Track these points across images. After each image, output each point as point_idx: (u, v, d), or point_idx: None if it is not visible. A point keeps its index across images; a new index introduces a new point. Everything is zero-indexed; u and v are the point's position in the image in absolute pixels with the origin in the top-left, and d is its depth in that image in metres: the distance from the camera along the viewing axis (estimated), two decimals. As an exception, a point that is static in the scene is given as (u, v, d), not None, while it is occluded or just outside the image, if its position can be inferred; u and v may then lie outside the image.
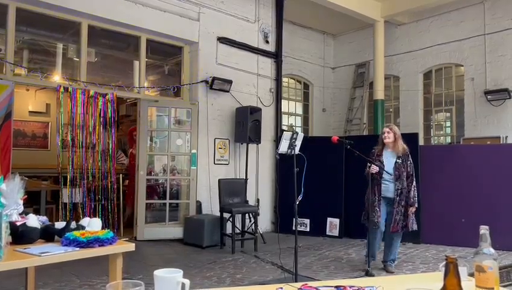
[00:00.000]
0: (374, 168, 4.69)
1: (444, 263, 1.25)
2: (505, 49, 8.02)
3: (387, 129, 4.84)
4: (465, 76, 8.60)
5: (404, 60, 9.40)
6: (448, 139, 9.13)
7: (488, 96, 8.07)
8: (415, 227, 4.81)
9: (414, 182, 4.76)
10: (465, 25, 8.49)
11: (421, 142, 8.31)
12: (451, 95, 9.01)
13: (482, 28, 8.27)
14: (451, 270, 1.21)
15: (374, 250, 4.87)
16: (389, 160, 4.77)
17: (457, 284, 1.20)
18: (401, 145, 4.76)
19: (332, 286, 1.48)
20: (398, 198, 4.69)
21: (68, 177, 5.97)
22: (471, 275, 1.43)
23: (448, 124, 9.31)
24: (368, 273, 4.62)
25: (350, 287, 1.46)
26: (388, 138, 4.78)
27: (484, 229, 1.39)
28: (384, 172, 4.72)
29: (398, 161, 4.73)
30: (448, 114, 9.25)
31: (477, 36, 8.34)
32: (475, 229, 1.53)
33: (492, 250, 1.36)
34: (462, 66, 8.68)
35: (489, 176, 6.35)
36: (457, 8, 8.51)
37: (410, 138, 6.97)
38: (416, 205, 4.75)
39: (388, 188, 4.75)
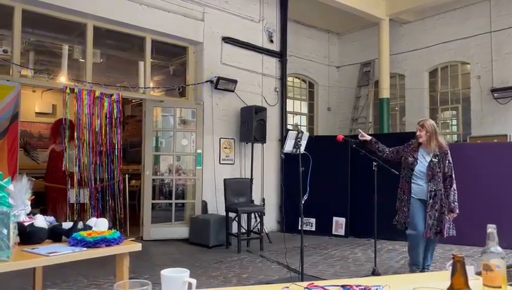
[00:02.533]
0: (363, 136, 4.63)
1: (451, 261, 1.24)
2: (511, 46, 7.97)
3: (419, 126, 4.35)
4: (471, 74, 8.55)
5: (409, 58, 9.36)
6: (455, 138, 9.08)
7: (495, 94, 8.02)
8: (452, 233, 4.33)
9: (454, 184, 4.25)
10: (471, 22, 8.44)
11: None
12: (457, 93, 8.96)
13: (488, 25, 8.22)
14: (458, 269, 1.21)
15: (414, 257, 4.42)
16: (423, 158, 4.33)
17: (464, 283, 1.19)
18: (437, 143, 4.26)
19: (338, 285, 1.48)
20: (431, 201, 4.23)
21: (75, 178, 6.01)
22: (479, 274, 1.42)
23: (454, 122, 9.26)
24: (374, 273, 4.60)
25: (357, 286, 1.46)
26: (420, 136, 4.31)
27: (491, 228, 1.38)
28: (416, 170, 4.34)
29: (433, 159, 4.25)
30: (454, 112, 9.20)
31: (483, 34, 8.28)
32: (482, 228, 1.52)
33: (499, 249, 1.35)
34: (468, 64, 8.63)
35: (497, 174, 6.30)
36: (462, 6, 8.47)
37: (415, 137, 6.97)
38: (457, 211, 4.26)
39: (422, 189, 4.31)
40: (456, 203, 4.24)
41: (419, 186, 4.31)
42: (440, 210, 4.24)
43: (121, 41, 7.38)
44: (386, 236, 6.32)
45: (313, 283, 1.49)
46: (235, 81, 7.34)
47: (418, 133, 4.32)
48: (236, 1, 7.67)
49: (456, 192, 4.23)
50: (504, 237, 1.85)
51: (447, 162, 4.27)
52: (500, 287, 1.30)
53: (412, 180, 4.34)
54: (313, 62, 10.02)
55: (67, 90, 5.90)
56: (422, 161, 4.31)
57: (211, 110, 7.22)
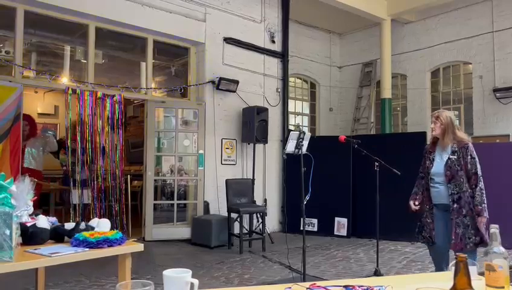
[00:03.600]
0: (412, 206, 3.78)
1: (454, 262, 1.24)
2: (513, 46, 7.95)
3: (433, 118, 3.73)
4: (473, 74, 8.54)
5: (411, 58, 9.35)
6: (457, 138, 9.05)
7: (497, 94, 8.00)
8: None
9: (481, 183, 3.55)
10: (473, 22, 8.43)
11: (429, 141, 8.24)
12: (459, 93, 8.95)
13: (490, 25, 8.20)
14: (461, 269, 1.20)
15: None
16: (440, 157, 3.69)
17: (467, 283, 1.19)
18: (454, 136, 3.62)
19: (341, 286, 1.47)
20: (455, 205, 3.55)
21: (78, 178, 6.02)
22: (481, 274, 1.42)
23: (456, 122, 9.23)
24: (376, 273, 4.60)
25: (359, 286, 1.46)
26: (434, 129, 3.70)
27: (494, 228, 1.38)
28: (432, 173, 3.71)
29: (451, 157, 3.59)
30: (456, 112, 9.18)
31: (485, 34, 8.27)
32: (485, 229, 1.52)
33: (502, 249, 1.35)
34: (470, 63, 8.62)
35: (499, 174, 6.28)
36: (464, 6, 8.45)
37: (418, 137, 6.97)
38: (485, 215, 3.51)
39: (440, 192, 3.66)
40: (484, 205, 3.52)
41: (436, 189, 3.68)
42: (472, 215, 3.54)
43: (122, 42, 7.40)
44: (388, 236, 6.32)
45: (315, 283, 1.49)
46: (236, 82, 7.34)
47: (432, 126, 3.74)
48: (237, 2, 7.68)
49: (483, 192, 3.54)
50: (507, 237, 1.85)
51: (469, 157, 3.58)
52: (503, 287, 1.29)
53: (431, 185, 3.71)
54: (314, 62, 10.02)
55: (69, 91, 5.91)
56: (439, 161, 3.68)
57: (212, 110, 7.22)
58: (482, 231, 3.48)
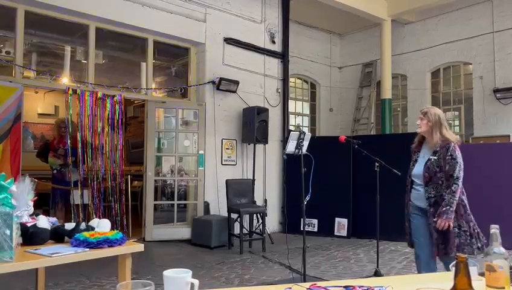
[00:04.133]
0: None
1: (455, 262, 1.24)
2: (513, 46, 7.95)
3: (421, 115, 3.46)
4: (473, 74, 8.54)
5: (411, 58, 9.35)
6: (457, 138, 9.05)
7: (497, 95, 8.00)
8: (468, 250, 3.21)
9: (455, 186, 3.21)
10: (473, 22, 8.43)
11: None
12: (459, 94, 8.94)
13: (491, 25, 8.20)
14: (461, 269, 1.20)
15: None
16: (423, 157, 3.45)
17: (467, 283, 1.19)
18: (439, 135, 3.34)
19: (341, 286, 1.47)
20: (432, 210, 3.30)
21: (79, 178, 6.02)
22: (482, 274, 1.42)
23: (456, 123, 9.24)
24: (377, 273, 4.60)
25: (359, 287, 1.46)
26: (420, 126, 3.44)
27: (495, 229, 1.38)
28: (413, 174, 3.50)
29: (432, 157, 3.34)
30: (456, 113, 9.18)
31: (486, 34, 8.27)
32: (485, 229, 1.52)
33: (503, 249, 1.35)
34: (471, 64, 8.62)
35: (499, 175, 6.29)
36: (465, 6, 8.45)
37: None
38: (446, 217, 3.15)
39: (419, 195, 3.43)
40: (449, 207, 3.17)
41: (417, 192, 3.45)
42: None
43: (123, 42, 7.40)
44: (388, 237, 6.32)
45: (315, 284, 1.49)
46: (237, 82, 7.34)
47: (418, 122, 3.47)
48: (238, 2, 7.68)
49: (454, 195, 3.21)
50: (507, 237, 1.85)
51: (449, 157, 3.27)
52: (503, 287, 1.29)
53: (413, 188, 3.51)
54: (314, 63, 10.02)
55: (70, 92, 5.91)
56: (421, 162, 3.45)
57: (212, 111, 7.22)
58: (449, 237, 3.18)
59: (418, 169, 3.43)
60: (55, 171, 6.60)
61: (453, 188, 3.22)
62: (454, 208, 3.19)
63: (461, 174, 3.25)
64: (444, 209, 3.18)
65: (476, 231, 3.27)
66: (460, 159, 3.27)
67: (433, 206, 3.30)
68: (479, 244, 3.22)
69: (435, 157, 3.33)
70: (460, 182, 3.25)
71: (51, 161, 6.62)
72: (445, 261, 3.28)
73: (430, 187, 3.33)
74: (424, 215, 3.39)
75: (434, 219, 3.22)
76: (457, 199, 3.21)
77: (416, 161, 3.49)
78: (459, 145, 3.37)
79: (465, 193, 3.35)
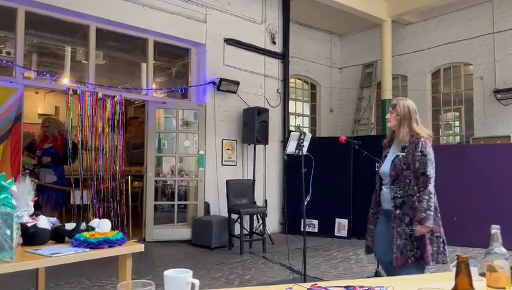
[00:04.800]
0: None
1: (455, 262, 1.24)
2: (514, 47, 7.95)
3: (390, 108, 3.18)
4: (473, 75, 8.53)
5: (412, 59, 9.35)
6: (457, 139, 9.06)
7: (498, 95, 8.00)
8: (442, 259, 2.96)
9: (430, 186, 2.89)
10: (474, 23, 8.43)
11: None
12: (460, 94, 8.94)
13: (491, 26, 8.20)
14: (462, 269, 1.20)
15: None
16: (392, 154, 3.15)
17: (468, 283, 1.19)
18: (410, 130, 3.03)
19: (342, 286, 1.47)
20: (398, 212, 2.95)
21: (79, 179, 6.02)
22: (482, 275, 1.42)
23: (457, 123, 9.24)
24: (377, 274, 4.59)
25: (360, 287, 1.46)
26: (389, 120, 3.14)
27: (495, 229, 1.38)
28: (380, 172, 3.18)
29: (400, 154, 3.02)
30: (457, 113, 9.18)
31: (486, 35, 8.27)
32: (485, 230, 1.52)
33: (503, 249, 1.35)
34: (471, 65, 8.61)
35: (500, 175, 6.29)
36: (465, 7, 8.45)
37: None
38: (428, 224, 2.84)
39: (385, 195, 3.10)
40: (428, 213, 2.84)
41: (383, 192, 3.12)
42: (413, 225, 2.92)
43: (123, 43, 7.40)
44: (389, 237, 6.31)
45: (315, 284, 1.49)
46: (237, 83, 7.34)
47: (387, 116, 3.18)
48: (238, 3, 7.68)
49: (431, 197, 2.88)
50: (508, 238, 1.85)
51: (419, 154, 2.94)
52: (504, 288, 1.29)
53: (381, 187, 3.16)
54: (315, 63, 10.02)
55: (70, 92, 5.91)
56: (389, 158, 3.13)
57: (213, 111, 7.23)
58: (425, 244, 2.88)
59: (385, 167, 3.12)
60: (27, 171, 6.29)
61: (429, 188, 2.89)
62: (433, 211, 2.87)
63: (433, 172, 2.93)
64: (425, 215, 2.83)
65: (445, 237, 2.97)
66: (431, 156, 2.95)
67: (399, 208, 2.96)
68: (447, 252, 2.96)
69: (403, 154, 3.02)
70: (433, 181, 2.92)
71: (24, 161, 6.42)
72: (401, 271, 2.93)
73: (396, 186, 3.01)
74: (389, 217, 3.03)
75: (412, 227, 2.89)
76: (433, 201, 2.88)
77: (385, 157, 3.19)
78: (431, 140, 3.06)
79: (435, 193, 2.98)
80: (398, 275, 2.88)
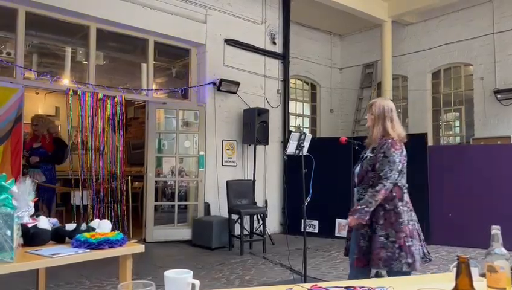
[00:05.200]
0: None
1: (456, 263, 1.24)
2: (514, 47, 7.95)
3: (368, 108, 3.17)
4: (474, 75, 8.53)
5: (412, 59, 9.35)
6: (458, 139, 9.05)
7: (498, 96, 8.00)
8: (398, 267, 2.74)
9: (379, 186, 2.79)
10: (474, 24, 8.43)
11: (430, 142, 8.25)
12: (460, 95, 8.94)
13: (491, 26, 8.20)
14: (463, 270, 1.20)
15: None
16: (365, 155, 3.10)
17: (469, 284, 1.19)
18: (381, 130, 2.95)
19: (342, 287, 1.47)
20: None
21: (79, 179, 6.02)
22: (483, 275, 1.42)
23: (457, 124, 9.24)
24: (377, 274, 4.59)
25: (360, 287, 1.46)
26: (367, 120, 3.13)
27: (496, 229, 1.38)
28: (354, 173, 3.11)
29: (369, 154, 2.99)
30: (457, 114, 9.18)
31: (486, 35, 8.27)
32: (485, 230, 1.52)
33: (504, 250, 1.35)
34: (471, 65, 8.61)
35: (500, 176, 6.29)
36: (465, 7, 8.45)
37: (418, 139, 6.97)
38: (358, 216, 2.79)
39: (355, 197, 3.07)
40: (364, 207, 2.78)
41: (354, 194, 3.08)
42: (382, 226, 2.83)
43: (123, 43, 7.41)
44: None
45: (316, 285, 1.49)
46: (237, 83, 7.34)
47: (366, 116, 3.19)
48: (238, 3, 7.69)
49: (375, 195, 2.78)
50: (508, 238, 1.84)
51: (381, 155, 2.86)
52: (504, 288, 1.29)
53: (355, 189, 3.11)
54: (315, 64, 10.02)
55: (71, 93, 5.92)
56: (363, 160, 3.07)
57: (213, 112, 7.23)
58: (374, 247, 2.78)
59: (357, 167, 3.08)
60: None
61: (377, 187, 2.79)
62: (371, 208, 2.77)
63: (392, 174, 2.80)
64: (359, 207, 2.80)
65: (407, 244, 2.77)
66: (394, 158, 2.83)
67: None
68: (409, 260, 2.74)
69: (371, 155, 2.96)
70: (388, 183, 2.79)
71: None
72: (362, 272, 2.89)
73: (361, 188, 2.97)
74: None
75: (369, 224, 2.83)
76: (378, 199, 2.77)
77: (361, 158, 3.12)
78: (401, 141, 2.93)
79: (405, 200, 2.87)
80: (358, 278, 2.73)
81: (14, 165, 5.28)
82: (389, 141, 2.88)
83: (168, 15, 6.79)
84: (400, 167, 2.86)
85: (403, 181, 2.92)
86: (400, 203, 2.84)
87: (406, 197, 2.91)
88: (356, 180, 3.03)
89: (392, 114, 3.01)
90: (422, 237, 2.92)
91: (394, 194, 2.84)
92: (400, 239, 2.77)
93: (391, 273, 2.82)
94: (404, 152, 2.94)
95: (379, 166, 2.84)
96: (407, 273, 2.78)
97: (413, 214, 2.91)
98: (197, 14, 7.14)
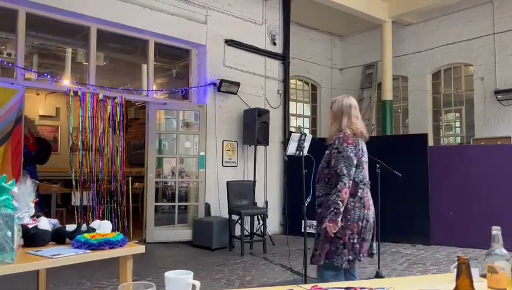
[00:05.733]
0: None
1: (456, 263, 1.24)
2: (514, 48, 7.95)
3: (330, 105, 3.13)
4: (474, 76, 8.53)
5: (412, 60, 9.35)
6: (458, 140, 9.05)
7: (498, 96, 8.00)
8: (336, 262, 2.74)
9: (340, 184, 2.73)
10: (474, 24, 8.43)
11: (430, 143, 8.25)
12: (460, 95, 8.94)
13: (491, 27, 8.20)
14: (463, 271, 1.20)
15: None
16: None
17: (469, 285, 1.19)
18: (338, 126, 2.93)
19: (342, 288, 1.47)
20: (319, 211, 2.93)
21: (79, 180, 6.02)
22: (483, 276, 1.42)
23: (457, 124, 9.24)
24: (378, 275, 4.59)
25: (361, 288, 1.46)
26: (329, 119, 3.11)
27: (496, 230, 1.38)
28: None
29: (327, 151, 2.97)
30: (457, 114, 9.18)
31: (487, 36, 8.27)
32: (486, 231, 1.52)
33: (504, 251, 1.35)
34: (472, 65, 8.61)
35: (500, 176, 6.28)
36: (465, 8, 8.45)
37: (419, 139, 6.97)
38: (332, 223, 2.69)
39: None
40: (332, 209, 2.70)
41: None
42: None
43: (124, 44, 7.41)
44: (390, 239, 6.31)
45: (316, 285, 1.49)
46: (237, 84, 7.35)
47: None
48: (239, 4, 7.69)
49: (338, 194, 2.71)
50: (509, 239, 1.84)
51: (334, 150, 2.82)
52: (505, 289, 1.29)
53: None
54: (315, 64, 10.02)
55: (71, 93, 5.92)
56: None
57: (213, 112, 7.23)
58: (323, 242, 2.77)
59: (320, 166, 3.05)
60: None
61: (338, 186, 2.73)
62: (341, 208, 2.71)
63: (348, 170, 2.75)
64: (329, 211, 2.72)
65: (352, 241, 2.75)
66: (348, 153, 2.78)
67: (320, 207, 2.91)
68: (350, 257, 2.74)
69: (328, 152, 2.95)
70: (346, 180, 2.73)
71: None
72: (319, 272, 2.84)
73: (319, 185, 2.97)
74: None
75: (322, 226, 2.77)
76: (343, 199, 2.71)
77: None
78: (361, 137, 2.87)
79: (359, 195, 2.81)
80: (318, 276, 2.85)
81: (14, 166, 5.28)
82: (341, 136, 2.84)
83: (168, 16, 6.79)
84: (355, 162, 2.80)
85: (361, 176, 2.85)
86: (350, 199, 2.78)
87: (362, 193, 2.83)
88: (317, 177, 3.02)
89: (350, 110, 2.94)
90: (369, 234, 2.85)
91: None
92: (345, 236, 2.75)
93: (329, 268, 2.80)
94: (360, 146, 2.88)
95: (334, 162, 2.81)
96: (342, 269, 2.77)
97: (367, 211, 2.82)
98: (197, 15, 7.15)
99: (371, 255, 2.94)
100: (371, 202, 2.88)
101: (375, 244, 2.93)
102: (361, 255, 2.81)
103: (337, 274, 2.80)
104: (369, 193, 2.90)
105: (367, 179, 2.92)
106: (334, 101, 3.03)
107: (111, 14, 6.22)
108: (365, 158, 2.92)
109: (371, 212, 2.86)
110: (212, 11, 7.32)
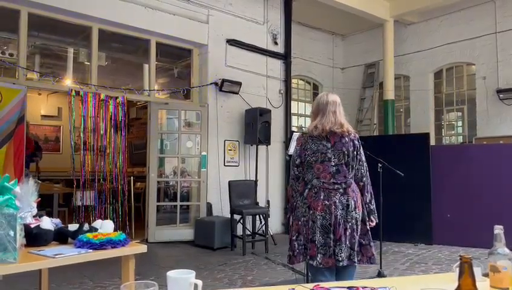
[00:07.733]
0: None
1: (458, 263, 1.23)
2: (517, 47, 7.94)
3: None
4: (476, 75, 8.52)
5: (414, 59, 9.34)
6: (460, 139, 9.04)
7: (500, 95, 7.99)
8: (302, 260, 2.82)
9: (291, 181, 2.87)
10: (476, 23, 8.41)
11: (432, 142, 8.25)
12: (462, 94, 8.93)
13: (493, 26, 8.19)
14: (465, 270, 1.20)
15: None
16: None
17: (472, 284, 1.19)
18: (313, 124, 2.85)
19: (344, 287, 1.47)
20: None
21: (81, 180, 6.03)
22: (486, 275, 1.41)
23: (459, 123, 9.22)
24: (380, 274, 4.59)
25: (363, 287, 1.46)
26: None
27: (499, 229, 1.38)
28: None
29: None
30: (459, 114, 9.16)
31: (489, 35, 8.25)
32: (488, 230, 1.51)
33: (506, 250, 1.34)
34: (474, 64, 8.60)
35: (503, 175, 6.26)
36: (467, 7, 8.44)
37: (420, 138, 6.96)
38: (290, 223, 2.85)
39: None
40: (289, 205, 2.85)
41: None
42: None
43: (126, 44, 7.42)
44: (391, 238, 6.30)
45: (318, 285, 1.49)
46: (239, 83, 7.34)
47: None
48: (240, 3, 7.69)
49: (290, 197, 2.85)
50: (511, 238, 1.84)
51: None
52: (507, 288, 1.29)
53: None
54: (317, 64, 10.02)
55: (73, 93, 5.93)
56: None
57: (215, 112, 7.23)
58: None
59: None
60: None
61: (288, 187, 2.81)
62: (292, 206, 2.79)
63: (292, 170, 2.73)
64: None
65: (292, 238, 2.81)
66: (295, 153, 2.75)
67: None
68: (290, 253, 2.82)
69: None
70: (290, 179, 2.76)
71: None
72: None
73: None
74: None
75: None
76: (288, 197, 2.77)
77: None
78: (328, 134, 2.72)
79: (304, 194, 2.73)
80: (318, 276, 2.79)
81: (16, 166, 5.29)
82: (298, 135, 2.84)
83: (170, 15, 6.79)
84: (297, 162, 2.75)
85: (309, 176, 2.73)
86: (299, 198, 2.77)
87: (308, 193, 2.72)
88: None
89: (326, 107, 2.78)
90: (322, 237, 2.67)
91: (298, 188, 2.80)
92: (291, 232, 2.82)
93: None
94: (309, 146, 2.74)
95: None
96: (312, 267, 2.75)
97: (314, 211, 2.67)
98: (198, 15, 7.15)
99: (338, 262, 2.71)
100: (322, 203, 2.66)
101: (344, 255, 2.69)
102: (309, 257, 2.70)
103: (314, 273, 2.80)
104: (322, 194, 2.68)
105: (323, 179, 2.70)
106: (315, 100, 2.94)
107: (113, 14, 6.23)
108: (318, 157, 2.71)
109: (322, 214, 2.66)
110: (214, 11, 7.32)
